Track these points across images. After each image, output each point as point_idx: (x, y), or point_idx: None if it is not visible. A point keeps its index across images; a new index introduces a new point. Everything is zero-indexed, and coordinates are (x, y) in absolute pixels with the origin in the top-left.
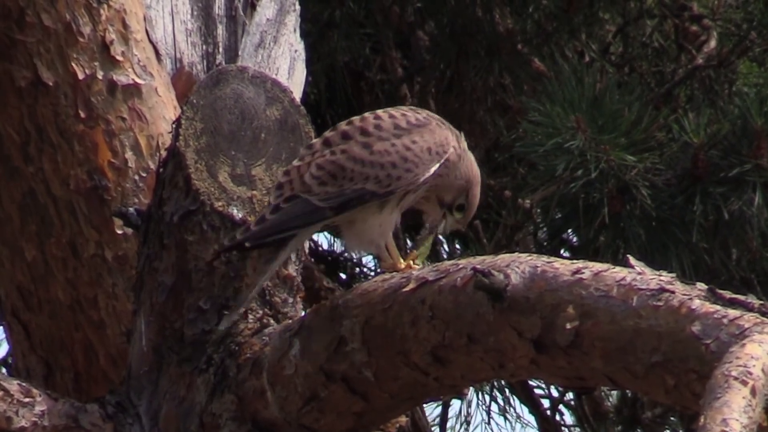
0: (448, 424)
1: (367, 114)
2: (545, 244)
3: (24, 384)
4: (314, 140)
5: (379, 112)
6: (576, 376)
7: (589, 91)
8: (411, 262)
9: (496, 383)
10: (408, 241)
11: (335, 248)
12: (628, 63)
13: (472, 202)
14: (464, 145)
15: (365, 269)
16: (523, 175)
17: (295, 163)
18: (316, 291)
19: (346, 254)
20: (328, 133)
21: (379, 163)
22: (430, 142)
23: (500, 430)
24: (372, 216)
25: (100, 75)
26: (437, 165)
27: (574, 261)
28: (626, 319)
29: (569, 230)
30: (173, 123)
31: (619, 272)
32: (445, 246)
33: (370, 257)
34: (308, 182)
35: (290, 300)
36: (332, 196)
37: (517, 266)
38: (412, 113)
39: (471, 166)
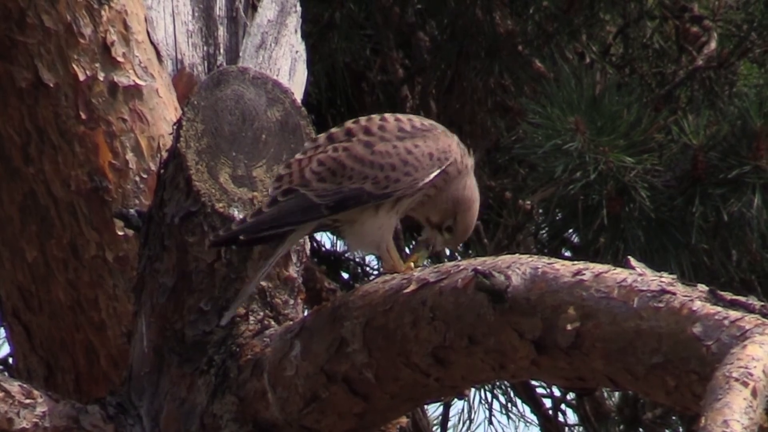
0: (450, 424)
1: (375, 115)
2: (546, 244)
3: (25, 385)
4: (320, 135)
5: (387, 114)
6: (577, 377)
7: (588, 93)
8: (411, 264)
9: (498, 383)
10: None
11: (338, 248)
12: (628, 64)
13: (460, 227)
14: (469, 162)
15: (368, 269)
16: (524, 176)
17: (298, 156)
18: (318, 292)
19: (348, 254)
20: (334, 129)
21: (379, 164)
22: (433, 148)
23: (502, 429)
24: (370, 218)
25: (101, 76)
26: (437, 171)
27: (575, 262)
28: (627, 320)
29: (569, 231)
30: (174, 124)
31: (620, 273)
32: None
33: (373, 256)
34: (308, 177)
35: (291, 301)
36: (329, 194)
37: (517, 267)
38: (419, 120)
39: (465, 188)
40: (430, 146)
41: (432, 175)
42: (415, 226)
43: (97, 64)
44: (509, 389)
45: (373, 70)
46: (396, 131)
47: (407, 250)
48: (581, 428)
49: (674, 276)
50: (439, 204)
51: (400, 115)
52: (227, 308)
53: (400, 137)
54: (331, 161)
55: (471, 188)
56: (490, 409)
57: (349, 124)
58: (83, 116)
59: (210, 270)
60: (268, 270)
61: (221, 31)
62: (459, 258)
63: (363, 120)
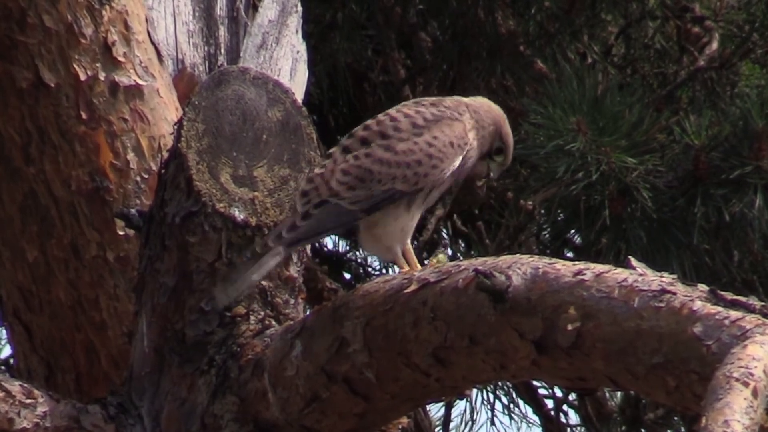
0: (453, 425)
1: (380, 116)
2: (548, 245)
3: (26, 385)
4: (332, 149)
5: (393, 112)
6: (577, 377)
7: (590, 93)
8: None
9: (500, 384)
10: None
11: (339, 248)
12: (629, 64)
13: (507, 141)
14: (473, 104)
15: (369, 269)
16: (525, 176)
17: (317, 171)
18: (319, 292)
19: (349, 255)
20: (345, 141)
21: (405, 162)
22: (451, 136)
23: (505, 430)
24: (394, 221)
25: (101, 76)
26: (461, 158)
27: (576, 262)
28: (628, 320)
29: (571, 232)
30: (175, 124)
31: (620, 273)
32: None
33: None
34: (336, 188)
35: (292, 301)
36: (362, 199)
37: (518, 267)
38: (427, 109)
39: (487, 108)
40: (448, 135)
41: (457, 162)
42: (416, 227)
43: (98, 64)
44: (511, 390)
45: (374, 70)
46: (411, 128)
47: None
48: (583, 429)
49: (675, 276)
50: (485, 133)
51: (406, 109)
52: (228, 309)
53: (416, 133)
54: (356, 169)
55: (491, 106)
56: (493, 410)
57: (360, 132)
58: (84, 116)
59: (211, 270)
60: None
61: (222, 31)
62: (460, 258)
63: (373, 124)
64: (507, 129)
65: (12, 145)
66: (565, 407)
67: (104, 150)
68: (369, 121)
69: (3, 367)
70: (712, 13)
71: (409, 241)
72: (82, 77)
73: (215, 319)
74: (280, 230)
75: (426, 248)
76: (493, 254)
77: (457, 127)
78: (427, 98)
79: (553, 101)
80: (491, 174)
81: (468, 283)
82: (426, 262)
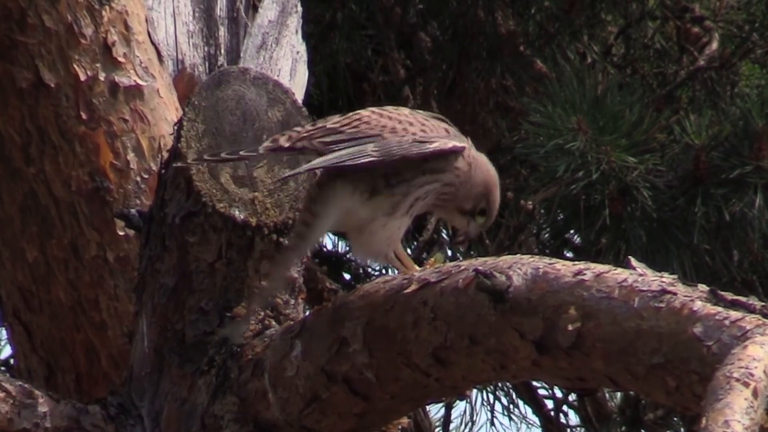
0: (453, 425)
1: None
2: (548, 245)
3: (25, 385)
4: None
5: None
6: (577, 377)
7: (590, 93)
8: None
9: (500, 384)
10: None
11: (339, 248)
12: (629, 64)
13: (493, 206)
14: (473, 152)
15: (369, 269)
16: (525, 176)
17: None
18: (319, 292)
19: (349, 255)
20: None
21: (397, 119)
22: (444, 133)
23: (504, 431)
24: (381, 228)
25: (101, 76)
26: (451, 144)
27: (576, 262)
28: (628, 320)
29: (571, 231)
30: (175, 124)
31: (620, 274)
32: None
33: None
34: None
35: (292, 301)
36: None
37: (518, 268)
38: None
39: (484, 168)
40: (442, 133)
41: (449, 145)
42: (417, 227)
43: (98, 65)
44: (511, 390)
45: (374, 70)
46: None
47: (408, 251)
48: (583, 429)
49: (675, 276)
50: (472, 189)
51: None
52: (228, 309)
53: (410, 121)
54: (345, 119)
55: (487, 166)
56: (492, 411)
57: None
58: (84, 116)
59: (211, 270)
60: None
61: (222, 32)
62: (460, 258)
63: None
64: (496, 195)
65: (12, 145)
66: (565, 408)
67: (104, 150)
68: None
69: (3, 367)
70: (711, 13)
71: (400, 245)
72: (82, 77)
73: (215, 319)
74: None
75: (426, 248)
76: (493, 254)
77: (456, 141)
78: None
79: (554, 100)
80: (470, 232)
81: (468, 283)
82: (425, 262)
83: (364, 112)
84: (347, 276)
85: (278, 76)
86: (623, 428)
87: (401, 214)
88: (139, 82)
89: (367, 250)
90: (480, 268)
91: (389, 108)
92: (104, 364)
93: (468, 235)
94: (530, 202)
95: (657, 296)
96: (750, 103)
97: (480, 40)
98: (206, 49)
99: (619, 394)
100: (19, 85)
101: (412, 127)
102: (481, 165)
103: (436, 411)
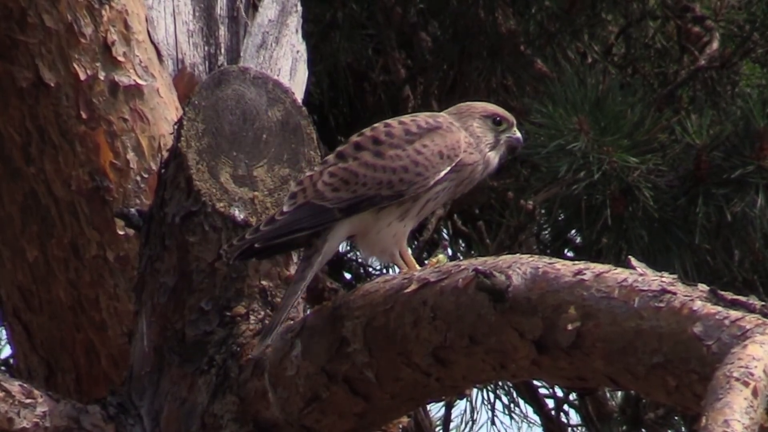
0: (453, 424)
1: (378, 124)
2: (549, 245)
3: (25, 385)
4: (328, 156)
5: (391, 121)
6: (577, 376)
7: (591, 93)
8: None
9: (500, 383)
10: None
11: (339, 248)
12: (630, 64)
13: (496, 111)
14: (448, 111)
15: (370, 269)
16: (526, 176)
17: (308, 173)
18: (320, 292)
19: (349, 255)
20: (341, 147)
21: (391, 168)
22: (441, 145)
23: (505, 430)
24: (387, 227)
25: (101, 76)
26: (448, 168)
27: (576, 262)
28: (627, 320)
29: (572, 231)
30: (175, 124)
31: (620, 273)
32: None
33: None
34: (320, 189)
35: None
36: (343, 200)
37: (518, 267)
38: (424, 118)
39: (468, 106)
40: (438, 144)
41: (443, 172)
42: (416, 227)
43: (98, 64)
44: (512, 390)
45: (375, 70)
46: (403, 135)
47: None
48: (584, 428)
49: (675, 276)
50: (476, 127)
51: (404, 118)
52: (228, 309)
53: (408, 140)
54: (342, 171)
55: (472, 103)
56: (493, 410)
57: (354, 138)
58: (84, 116)
59: (211, 269)
60: (301, 293)
61: (222, 31)
62: (460, 258)
63: (368, 131)
64: (490, 106)
65: (12, 145)
66: (565, 407)
67: (104, 150)
68: (365, 129)
69: (3, 367)
70: (712, 13)
71: (405, 244)
72: (82, 77)
73: (215, 318)
74: (259, 225)
75: (426, 248)
76: (494, 254)
77: (450, 137)
78: (422, 112)
79: (555, 101)
80: (519, 139)
81: (468, 282)
82: (426, 262)
83: (358, 169)
84: (348, 275)
85: (278, 75)
86: (624, 427)
87: (411, 217)
88: (139, 81)
89: (373, 249)
90: (480, 267)
91: (384, 141)
92: (104, 363)
93: (516, 142)
94: (531, 202)
95: (657, 296)
96: (751, 103)
97: (480, 39)
98: (206, 48)
99: (619, 394)
100: (20, 85)
101: (407, 174)
102: (461, 110)
103: (436, 410)
